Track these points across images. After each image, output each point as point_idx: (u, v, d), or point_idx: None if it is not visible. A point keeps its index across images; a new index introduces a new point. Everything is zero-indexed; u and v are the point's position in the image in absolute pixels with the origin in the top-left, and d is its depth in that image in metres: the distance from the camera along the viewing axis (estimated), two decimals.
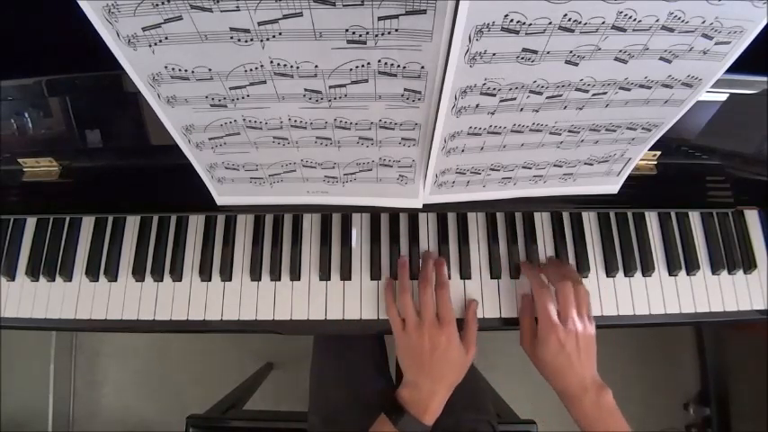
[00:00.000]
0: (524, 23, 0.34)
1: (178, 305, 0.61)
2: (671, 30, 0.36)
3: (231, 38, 0.35)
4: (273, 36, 0.34)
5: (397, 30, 0.34)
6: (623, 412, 0.51)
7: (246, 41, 0.35)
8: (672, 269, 0.62)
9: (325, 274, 0.61)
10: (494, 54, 0.37)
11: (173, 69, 0.38)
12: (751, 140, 0.60)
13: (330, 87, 0.39)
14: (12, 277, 0.63)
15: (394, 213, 0.63)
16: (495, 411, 0.75)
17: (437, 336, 0.54)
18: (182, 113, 0.43)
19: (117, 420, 1.38)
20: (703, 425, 1.31)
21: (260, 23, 0.33)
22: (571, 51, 0.37)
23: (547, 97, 0.42)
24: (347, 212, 0.63)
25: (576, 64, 0.39)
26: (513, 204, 0.59)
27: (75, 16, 0.33)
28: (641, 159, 0.55)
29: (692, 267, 0.62)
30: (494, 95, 0.41)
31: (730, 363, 1.27)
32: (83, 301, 0.61)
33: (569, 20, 0.34)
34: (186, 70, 0.38)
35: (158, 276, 0.62)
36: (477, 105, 0.42)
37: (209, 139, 0.47)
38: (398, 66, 0.37)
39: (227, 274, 0.61)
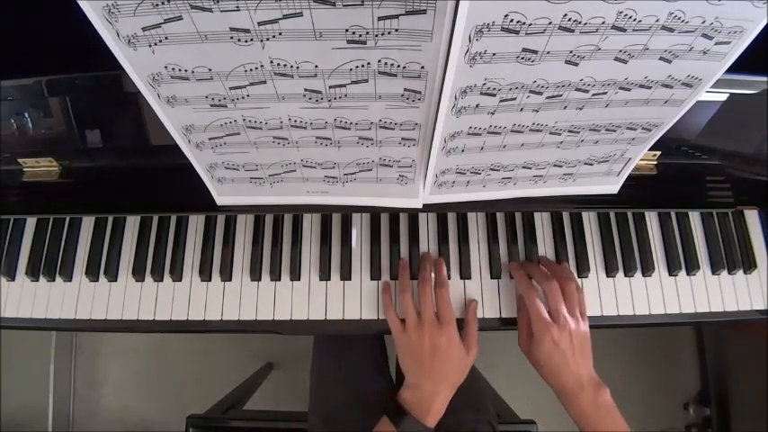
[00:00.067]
0: (524, 23, 0.34)
1: (178, 305, 0.61)
2: (671, 30, 0.36)
3: (231, 38, 0.35)
4: (273, 36, 0.34)
5: (397, 30, 0.34)
6: (623, 412, 0.51)
7: (246, 41, 0.35)
8: (672, 269, 0.62)
9: (325, 274, 0.61)
10: (494, 54, 0.37)
11: (173, 69, 0.38)
12: (751, 140, 0.60)
13: (330, 87, 0.39)
14: (12, 277, 0.63)
15: (394, 213, 0.63)
16: (495, 411, 0.75)
17: (437, 336, 0.54)
18: (182, 113, 0.43)
19: (117, 420, 1.38)
20: (703, 425, 1.31)
21: (260, 23, 0.33)
22: (571, 51, 0.37)
23: (547, 97, 0.42)
24: (347, 212, 0.63)
25: (576, 64, 0.39)
26: (513, 204, 0.59)
27: (75, 16, 0.33)
28: (641, 159, 0.55)
29: (691, 267, 0.62)
30: (494, 95, 0.41)
31: (730, 363, 1.27)
32: (83, 301, 0.61)
33: (569, 20, 0.34)
34: (186, 70, 0.38)
35: (158, 276, 0.62)
36: (477, 105, 0.42)
37: (209, 139, 0.47)
38: (398, 66, 0.37)
39: (227, 274, 0.61)
